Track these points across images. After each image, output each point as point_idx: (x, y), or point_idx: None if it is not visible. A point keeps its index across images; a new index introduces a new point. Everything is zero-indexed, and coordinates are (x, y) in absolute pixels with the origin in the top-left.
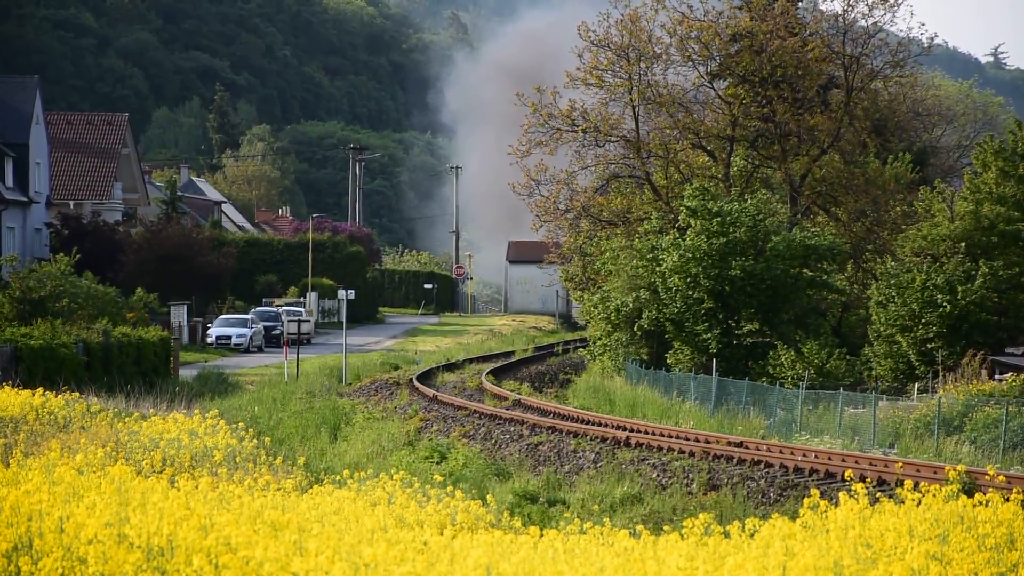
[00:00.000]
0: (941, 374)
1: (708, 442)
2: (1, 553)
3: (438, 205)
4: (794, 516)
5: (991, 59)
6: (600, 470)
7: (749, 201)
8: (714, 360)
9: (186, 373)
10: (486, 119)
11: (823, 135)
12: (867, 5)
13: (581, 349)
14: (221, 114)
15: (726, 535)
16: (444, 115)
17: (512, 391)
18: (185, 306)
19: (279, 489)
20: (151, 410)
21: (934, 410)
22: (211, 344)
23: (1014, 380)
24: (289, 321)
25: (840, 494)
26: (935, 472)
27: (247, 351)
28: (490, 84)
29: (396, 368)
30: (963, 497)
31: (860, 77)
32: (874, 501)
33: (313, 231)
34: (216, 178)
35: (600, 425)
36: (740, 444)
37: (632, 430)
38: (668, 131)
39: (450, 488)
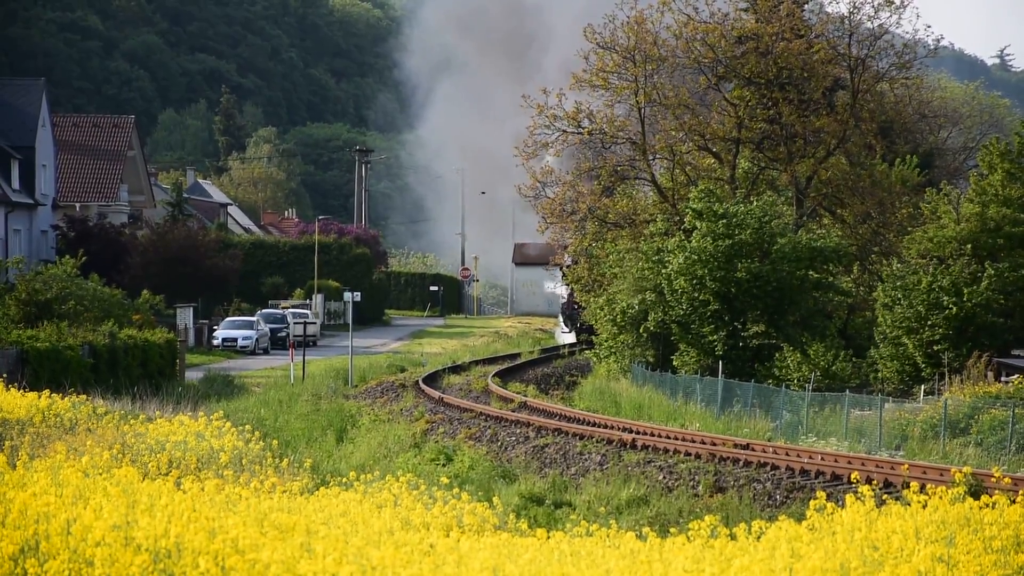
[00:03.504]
0: (947, 376)
1: (714, 444)
2: (8, 556)
3: (444, 207)
4: (800, 518)
5: (997, 61)
6: (606, 472)
7: (755, 203)
8: (720, 362)
9: (192, 375)
10: (452, 68)
11: (829, 137)
12: (873, 7)
13: (587, 351)
14: (227, 116)
15: (732, 537)
16: (408, 67)
17: (518, 393)
18: (191, 308)
19: (285, 491)
20: (157, 412)
21: (940, 412)
22: (217, 346)
23: (1020, 382)
24: (295, 323)
25: (847, 496)
26: (941, 474)
27: (253, 353)
28: (458, 29)
29: (402, 370)
30: (969, 499)
31: (866, 79)
32: (880, 503)
33: (319, 233)
34: (222, 180)
35: (606, 427)
36: (746, 446)
37: (638, 432)
38: (674, 133)
39: (456, 490)
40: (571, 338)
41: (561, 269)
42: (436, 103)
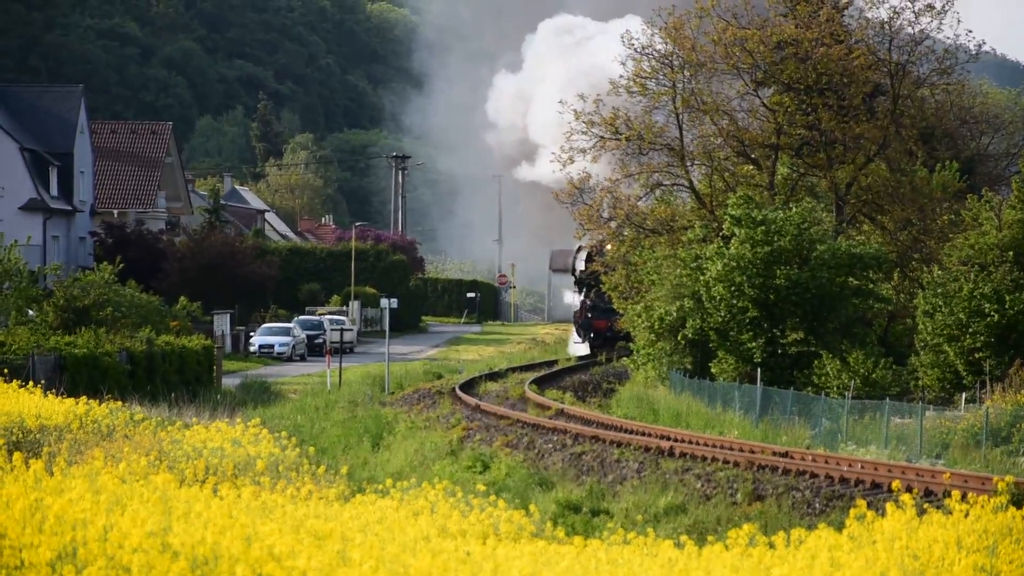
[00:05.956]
0: (989, 384)
1: (753, 452)
2: (45, 562)
3: (480, 213)
4: (840, 527)
5: None
6: (644, 480)
7: (794, 210)
8: (758, 369)
9: (229, 382)
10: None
11: (869, 143)
12: (913, 12)
13: (625, 358)
14: (264, 123)
15: (771, 546)
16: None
17: (555, 400)
18: (228, 315)
19: (322, 498)
20: (194, 419)
21: (982, 421)
22: (254, 353)
23: None
24: (332, 330)
25: (887, 505)
26: (983, 483)
27: (290, 360)
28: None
29: (439, 377)
30: (1012, 509)
31: (906, 85)
32: (921, 512)
33: (356, 239)
34: (259, 187)
35: (644, 435)
36: (785, 454)
37: (676, 440)
38: (712, 139)
39: (493, 497)
40: (584, 349)
41: (574, 275)
42: (463, 101)
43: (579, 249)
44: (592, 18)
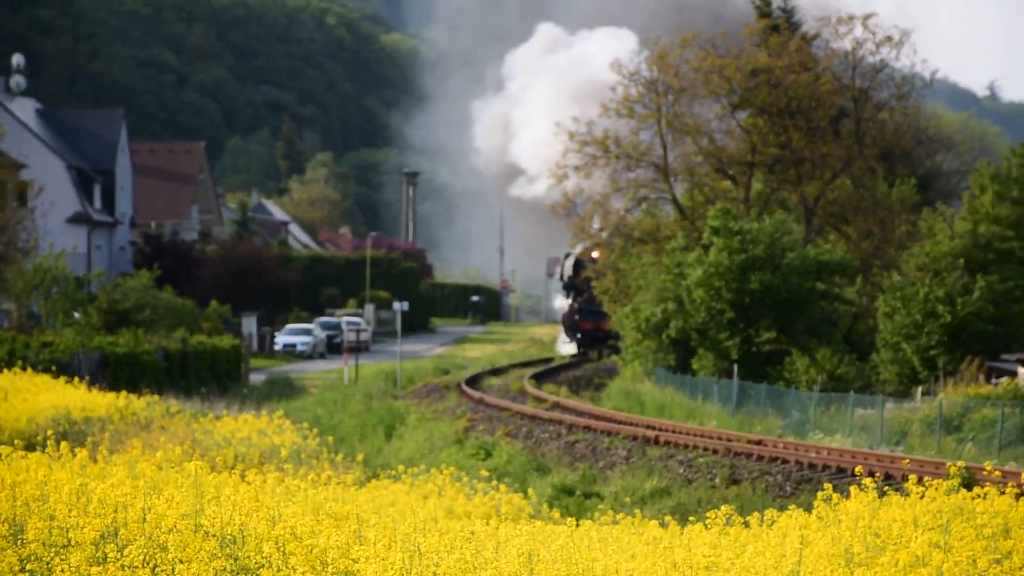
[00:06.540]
0: (942, 378)
1: (730, 440)
2: (90, 541)
3: (481, 223)
4: (809, 508)
5: (988, 93)
6: (631, 466)
7: (767, 221)
8: (735, 366)
9: (255, 378)
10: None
11: (835, 161)
12: (874, 44)
13: (614, 356)
14: (288, 142)
15: (746, 525)
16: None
17: (551, 394)
18: (255, 316)
19: (340, 483)
20: (224, 411)
21: (936, 411)
22: (278, 351)
23: (1008, 384)
24: (349, 330)
25: (851, 488)
26: (937, 468)
27: (311, 358)
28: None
29: (446, 373)
30: (963, 491)
31: (868, 108)
32: (882, 494)
33: (371, 248)
34: (283, 201)
35: (631, 425)
36: (759, 442)
37: (661, 429)
38: (693, 157)
39: (495, 482)
40: (572, 348)
41: (561, 280)
42: (461, 119)
43: (567, 256)
44: (586, 27)
